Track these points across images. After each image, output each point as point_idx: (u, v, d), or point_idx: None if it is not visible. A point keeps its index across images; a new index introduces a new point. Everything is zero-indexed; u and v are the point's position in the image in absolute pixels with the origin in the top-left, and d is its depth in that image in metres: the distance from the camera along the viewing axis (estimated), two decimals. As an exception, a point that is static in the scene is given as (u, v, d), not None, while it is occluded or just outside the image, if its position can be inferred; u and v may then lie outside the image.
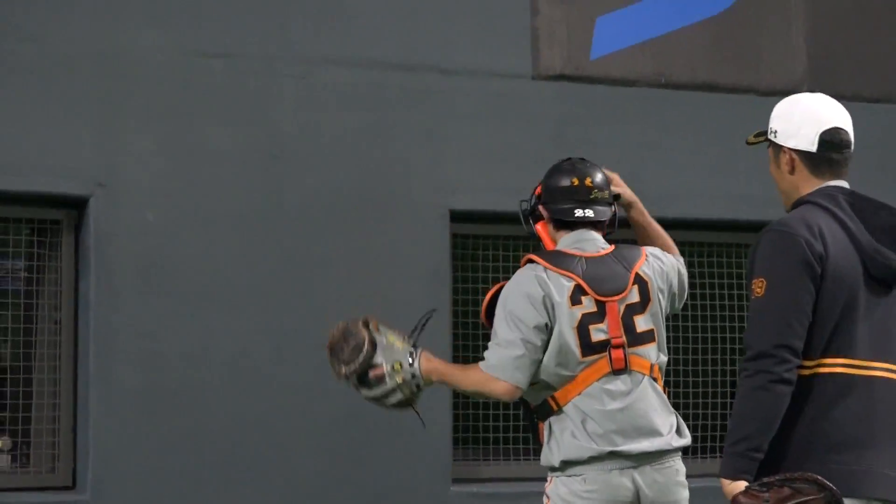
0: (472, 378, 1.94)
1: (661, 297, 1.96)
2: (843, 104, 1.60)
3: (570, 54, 3.54)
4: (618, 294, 1.89)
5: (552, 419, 1.91)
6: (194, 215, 3.16)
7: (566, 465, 1.89)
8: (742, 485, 1.41)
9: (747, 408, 1.46)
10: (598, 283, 1.89)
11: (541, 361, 1.87)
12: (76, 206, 3.13)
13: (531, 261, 1.95)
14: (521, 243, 3.23)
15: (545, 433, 1.94)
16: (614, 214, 2.01)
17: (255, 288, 3.18)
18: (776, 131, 1.60)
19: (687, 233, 3.50)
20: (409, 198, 3.37)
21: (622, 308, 1.89)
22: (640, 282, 1.91)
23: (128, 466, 3.09)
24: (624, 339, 1.89)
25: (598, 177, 2.01)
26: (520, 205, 2.06)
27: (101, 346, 3.03)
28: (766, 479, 1.39)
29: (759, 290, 1.50)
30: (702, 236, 3.78)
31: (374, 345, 1.93)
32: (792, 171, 1.58)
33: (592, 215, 1.94)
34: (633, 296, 1.91)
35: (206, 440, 3.08)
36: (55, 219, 3.13)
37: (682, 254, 2.15)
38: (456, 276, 3.49)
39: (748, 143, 1.79)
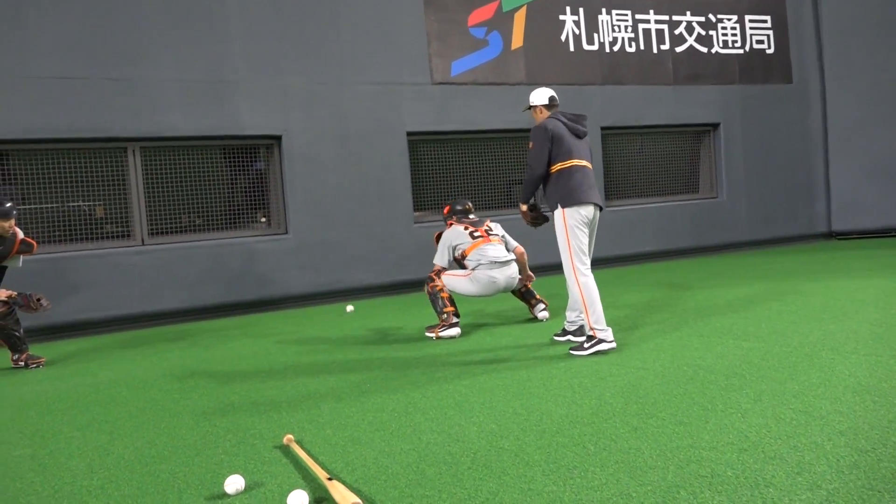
0: None
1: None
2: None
3: (445, 73, 9.42)
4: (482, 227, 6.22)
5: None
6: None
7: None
8: (524, 206, 5.23)
9: (526, 183, 5.04)
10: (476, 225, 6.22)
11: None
12: (277, 138, 8.71)
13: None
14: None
15: None
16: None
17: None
18: (533, 102, 5.18)
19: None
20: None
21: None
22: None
23: (307, 218, 8.79)
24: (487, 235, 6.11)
25: (469, 203, 6.47)
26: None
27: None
28: (532, 203, 5.17)
29: (531, 145, 4.99)
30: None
31: None
32: (540, 112, 5.13)
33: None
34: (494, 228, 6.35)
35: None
36: (270, 143, 8.74)
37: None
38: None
39: (523, 111, 5.55)
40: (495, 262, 6.02)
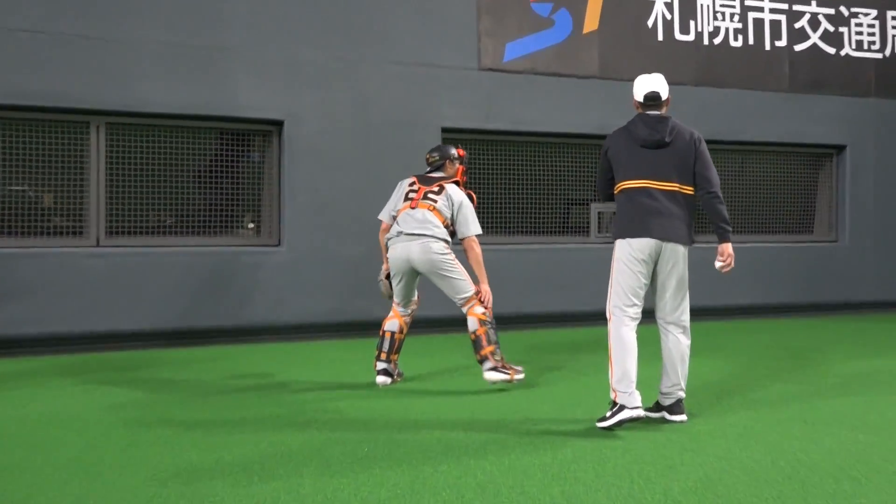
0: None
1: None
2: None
3: (496, 58, 9.44)
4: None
5: None
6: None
7: None
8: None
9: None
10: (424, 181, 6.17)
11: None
12: (279, 124, 8.75)
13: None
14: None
15: None
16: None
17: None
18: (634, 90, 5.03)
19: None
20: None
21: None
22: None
23: (308, 226, 8.79)
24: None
25: (435, 154, 6.43)
26: None
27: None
28: None
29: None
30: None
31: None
32: (636, 108, 5.04)
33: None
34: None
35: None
36: (268, 130, 8.79)
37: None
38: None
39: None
40: (402, 233, 6.02)
